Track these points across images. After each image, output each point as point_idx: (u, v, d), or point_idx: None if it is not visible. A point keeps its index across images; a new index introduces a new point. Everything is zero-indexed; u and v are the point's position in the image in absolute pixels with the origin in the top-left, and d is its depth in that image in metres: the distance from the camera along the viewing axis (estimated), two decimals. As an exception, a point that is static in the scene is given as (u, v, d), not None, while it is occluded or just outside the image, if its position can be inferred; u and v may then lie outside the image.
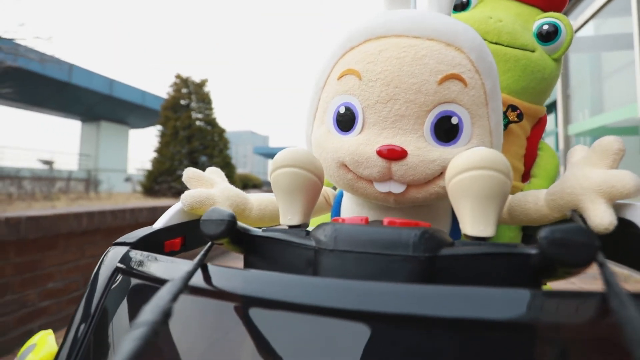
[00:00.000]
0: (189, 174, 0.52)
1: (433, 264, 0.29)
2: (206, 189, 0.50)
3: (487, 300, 0.23)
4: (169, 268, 0.33)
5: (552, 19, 0.63)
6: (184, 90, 9.39)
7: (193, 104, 9.34)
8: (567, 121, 5.08)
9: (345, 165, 0.42)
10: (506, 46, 0.61)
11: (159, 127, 9.38)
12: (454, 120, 0.40)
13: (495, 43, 0.61)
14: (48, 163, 14.21)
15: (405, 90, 0.38)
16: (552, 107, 5.38)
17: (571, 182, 0.40)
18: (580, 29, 4.55)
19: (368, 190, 0.42)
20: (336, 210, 0.56)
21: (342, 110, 0.43)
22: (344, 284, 0.25)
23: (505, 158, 0.33)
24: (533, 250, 0.27)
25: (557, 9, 0.68)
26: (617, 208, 0.39)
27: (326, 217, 0.66)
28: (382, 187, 0.41)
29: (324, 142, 0.44)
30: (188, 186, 0.52)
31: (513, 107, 0.62)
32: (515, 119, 0.62)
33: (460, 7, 0.70)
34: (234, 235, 0.34)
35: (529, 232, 0.69)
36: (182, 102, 9.29)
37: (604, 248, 0.37)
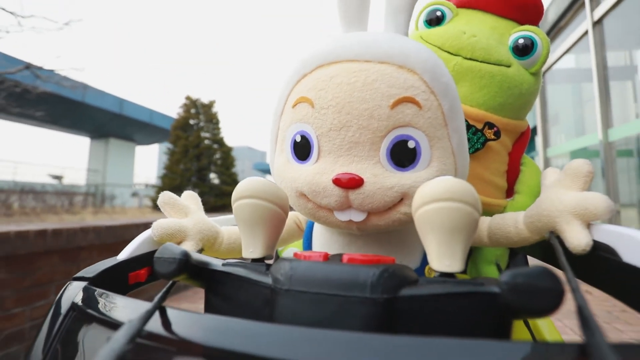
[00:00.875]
0: (165, 199, 0.51)
1: (392, 305, 0.27)
2: (178, 220, 0.49)
3: (450, 354, 0.21)
4: (127, 309, 0.31)
5: (528, 33, 0.62)
6: (193, 111, 9.98)
7: (202, 124, 9.91)
8: (546, 144, 5.61)
9: (305, 195, 0.42)
10: (481, 62, 0.59)
11: (168, 145, 9.90)
12: (411, 144, 0.39)
13: (470, 59, 0.60)
14: (58, 178, 14.77)
15: (357, 117, 0.38)
16: (533, 131, 5.93)
17: (547, 204, 0.40)
18: (555, 62, 5.13)
19: (330, 218, 0.42)
20: (308, 237, 0.55)
21: (298, 138, 0.42)
22: (295, 333, 0.23)
23: (472, 188, 0.32)
24: (498, 289, 0.26)
25: (533, 22, 0.67)
26: (593, 230, 0.38)
27: (299, 244, 0.65)
28: (342, 216, 0.41)
29: (283, 172, 0.44)
30: (163, 212, 0.51)
31: (490, 125, 0.60)
32: (493, 136, 0.60)
33: (435, 22, 0.68)
34: (192, 270, 0.33)
35: (516, 249, 0.68)
36: (191, 121, 9.87)
37: (577, 270, 0.37)
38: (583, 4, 4.19)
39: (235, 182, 9.46)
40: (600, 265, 0.37)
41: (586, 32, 4.12)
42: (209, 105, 10.45)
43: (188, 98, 10.48)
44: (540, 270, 0.23)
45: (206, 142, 9.93)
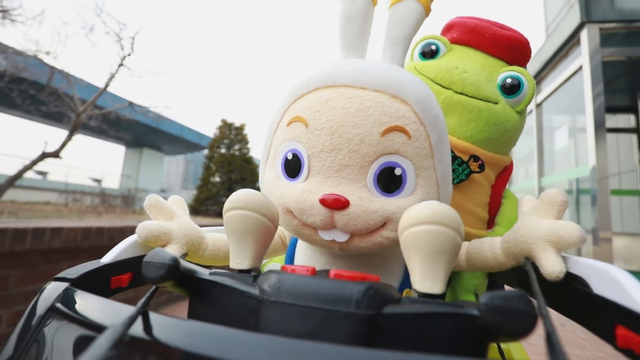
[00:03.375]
0: (151, 201, 0.51)
1: (376, 322, 0.28)
2: (164, 222, 0.49)
3: None
4: (109, 312, 0.30)
5: (515, 73, 0.65)
6: (227, 132, 11.87)
7: (234, 144, 11.77)
8: (540, 174, 5.96)
9: (291, 212, 0.42)
10: (470, 97, 0.61)
11: (188, 156, 11.64)
12: (398, 172, 0.40)
13: (460, 93, 0.62)
14: (97, 181, 16.70)
15: (348, 141, 0.39)
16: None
17: (523, 231, 0.41)
18: (543, 102, 5.90)
19: (313, 237, 0.42)
20: (291, 252, 0.55)
21: (290, 156, 0.43)
22: (281, 343, 0.23)
23: (456, 213, 0.33)
24: (477, 312, 0.26)
25: (521, 63, 0.70)
26: (565, 261, 0.39)
27: (281, 259, 0.66)
28: (326, 235, 0.41)
29: (272, 187, 0.45)
30: (149, 214, 0.51)
31: (475, 158, 0.62)
32: (477, 169, 0.62)
33: (429, 55, 0.70)
34: (178, 277, 0.33)
35: (494, 279, 0.69)
36: (225, 141, 11.73)
37: (550, 300, 0.40)
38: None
39: (259, 194, 11.26)
40: (572, 295, 0.38)
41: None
42: (241, 128, 12.35)
43: (223, 121, 12.38)
44: (517, 294, 0.24)
45: (237, 159, 11.82)
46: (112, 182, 19.15)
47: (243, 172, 11.09)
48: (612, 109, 5.26)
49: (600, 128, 3.99)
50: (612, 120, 5.61)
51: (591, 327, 0.35)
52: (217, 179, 11.05)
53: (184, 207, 0.55)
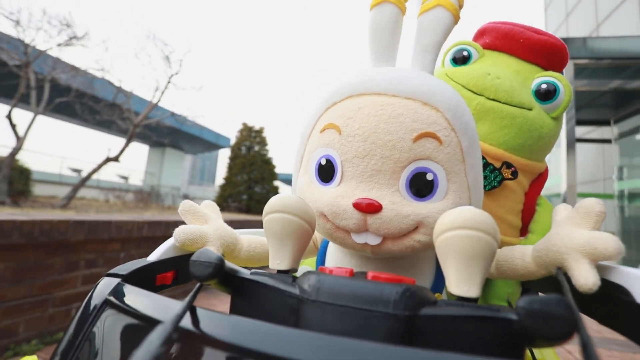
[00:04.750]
0: (186, 207, 0.52)
1: (413, 323, 0.28)
2: (199, 226, 0.50)
3: None
4: (157, 306, 0.32)
5: (551, 79, 0.63)
6: (247, 135, 12.86)
7: (254, 145, 12.75)
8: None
9: (325, 215, 0.43)
10: (503, 103, 0.61)
11: (227, 160, 12.75)
12: (429, 177, 0.40)
13: (493, 99, 0.61)
14: (124, 178, 17.98)
15: (381, 147, 0.39)
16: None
17: (556, 240, 0.41)
18: None
19: (346, 240, 0.43)
20: (322, 255, 0.56)
21: (323, 162, 0.44)
22: (323, 340, 0.24)
23: (492, 219, 0.33)
24: (515, 316, 0.26)
25: (557, 68, 0.68)
26: (605, 270, 0.39)
27: (311, 261, 0.69)
28: (358, 239, 0.42)
29: (305, 192, 0.46)
30: (183, 219, 0.53)
31: (508, 165, 0.61)
32: (510, 176, 0.61)
33: (461, 61, 0.69)
34: (222, 276, 0.34)
35: (528, 287, 0.68)
36: (247, 143, 12.72)
37: (586, 307, 0.39)
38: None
39: (276, 192, 12.20)
40: (612, 304, 0.37)
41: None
42: (260, 131, 13.36)
43: (244, 124, 13.41)
44: (556, 298, 0.24)
45: (257, 160, 12.86)
46: (136, 179, 20.50)
47: (262, 172, 12.02)
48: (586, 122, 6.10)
49: (571, 146, 4.84)
50: (591, 133, 6.45)
51: (633, 337, 0.35)
52: (238, 177, 12.08)
53: (217, 211, 0.57)
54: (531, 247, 0.46)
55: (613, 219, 5.61)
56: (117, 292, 0.38)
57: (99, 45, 6.48)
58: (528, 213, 0.67)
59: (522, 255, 0.46)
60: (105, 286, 0.39)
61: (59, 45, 6.31)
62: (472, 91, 0.63)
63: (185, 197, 17.52)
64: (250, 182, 11.83)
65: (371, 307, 0.29)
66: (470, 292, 0.32)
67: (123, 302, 0.36)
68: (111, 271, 0.42)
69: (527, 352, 0.57)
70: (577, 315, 0.24)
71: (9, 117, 5.51)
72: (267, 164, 12.44)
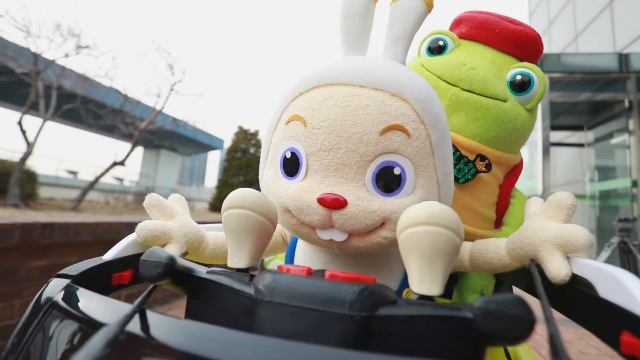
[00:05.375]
0: (151, 200, 0.51)
1: (369, 323, 0.28)
2: (163, 222, 0.49)
3: None
4: (106, 309, 0.31)
5: (526, 70, 0.63)
6: (242, 137, 13.19)
7: (250, 148, 13.08)
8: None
9: (289, 211, 0.42)
10: (478, 94, 0.60)
11: (224, 163, 13.07)
12: (397, 171, 0.40)
13: (468, 90, 0.61)
14: (120, 180, 18.16)
15: (347, 140, 0.39)
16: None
17: (529, 233, 0.41)
18: None
19: (311, 236, 0.42)
20: (291, 251, 0.55)
21: (288, 155, 0.43)
22: (270, 344, 0.23)
23: (455, 215, 0.32)
24: (471, 315, 0.26)
25: (532, 59, 0.68)
26: (571, 263, 0.39)
27: (282, 257, 0.68)
28: (324, 235, 0.41)
29: (270, 186, 0.45)
30: (149, 214, 0.51)
31: (482, 157, 0.61)
32: (484, 169, 0.61)
33: (436, 51, 0.68)
34: (175, 276, 0.33)
35: (502, 279, 0.68)
36: (242, 146, 13.04)
37: (553, 301, 0.40)
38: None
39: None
40: (577, 298, 0.37)
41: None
42: (255, 134, 13.72)
43: (240, 127, 13.74)
44: (513, 298, 0.24)
45: (253, 162, 13.19)
46: (130, 180, 20.70)
47: (258, 174, 12.29)
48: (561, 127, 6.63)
49: (546, 152, 5.32)
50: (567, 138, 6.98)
51: (596, 331, 0.35)
52: (235, 179, 12.40)
53: (185, 205, 0.55)
54: (505, 240, 0.46)
55: (585, 218, 6.13)
56: (65, 294, 0.36)
57: (105, 54, 6.78)
58: (502, 205, 0.68)
59: (496, 248, 0.46)
60: (53, 287, 0.37)
61: (67, 56, 6.60)
62: (447, 82, 0.63)
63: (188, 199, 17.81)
64: (246, 183, 12.13)
65: (326, 307, 0.28)
66: (432, 290, 0.31)
67: (70, 304, 0.34)
68: (61, 272, 0.40)
69: (502, 349, 0.59)
70: (544, 313, 0.24)
71: (19, 123, 5.79)
72: (263, 165, 12.75)
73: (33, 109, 6.26)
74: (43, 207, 5.54)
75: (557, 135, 7.23)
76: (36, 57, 6.09)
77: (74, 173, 18.05)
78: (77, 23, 6.78)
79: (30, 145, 5.85)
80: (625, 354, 0.29)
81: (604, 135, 6.07)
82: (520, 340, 0.23)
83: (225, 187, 12.15)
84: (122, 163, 6.58)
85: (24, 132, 5.79)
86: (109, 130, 11.02)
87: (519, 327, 0.23)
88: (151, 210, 0.51)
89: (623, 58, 5.00)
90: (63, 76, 6.68)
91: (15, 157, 7.14)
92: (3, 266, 1.66)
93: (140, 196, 11.49)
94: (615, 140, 5.66)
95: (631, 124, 5.04)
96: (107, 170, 6.49)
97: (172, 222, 0.50)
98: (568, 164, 7.06)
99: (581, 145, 6.75)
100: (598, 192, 6.07)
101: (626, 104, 5.01)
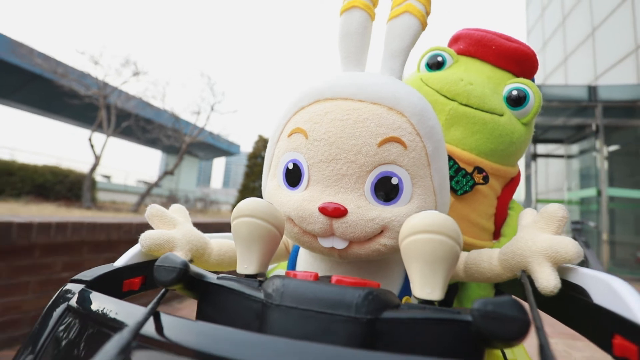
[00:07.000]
0: (152, 211, 0.51)
1: (374, 326, 0.29)
2: (167, 231, 0.49)
3: None
4: (121, 313, 0.32)
5: (521, 85, 0.65)
6: (262, 145, 14.35)
7: (269, 155, 14.24)
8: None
9: (292, 220, 0.44)
10: (475, 109, 0.62)
11: (246, 168, 14.31)
12: (394, 181, 0.41)
13: (465, 105, 0.62)
14: (147, 183, 19.62)
15: (346, 151, 0.40)
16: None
17: (521, 244, 0.42)
18: None
19: (313, 244, 0.44)
20: (293, 259, 0.57)
21: (291, 166, 0.44)
22: (283, 344, 0.24)
23: (455, 223, 0.33)
24: (470, 318, 0.27)
25: (528, 75, 0.69)
26: (565, 271, 0.41)
27: (284, 265, 0.68)
28: (325, 243, 0.42)
29: (273, 196, 0.46)
30: (151, 224, 0.51)
31: (479, 169, 0.62)
32: (481, 181, 0.62)
33: (435, 66, 0.70)
34: (188, 281, 0.34)
35: (501, 290, 0.69)
36: (262, 153, 14.19)
37: (549, 308, 0.41)
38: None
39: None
40: (572, 304, 0.39)
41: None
42: (274, 142, 14.94)
43: (260, 137, 15.00)
44: (509, 300, 0.25)
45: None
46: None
47: (277, 179, 13.51)
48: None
49: (528, 165, 6.42)
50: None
51: (589, 335, 0.36)
52: (256, 184, 13.58)
53: (186, 215, 0.56)
54: (498, 251, 0.46)
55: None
56: (80, 298, 0.36)
57: (158, 79, 8.06)
58: (500, 217, 0.69)
59: (489, 259, 0.46)
60: (68, 292, 0.38)
61: (125, 82, 7.90)
62: (446, 96, 0.64)
63: (202, 200, 19.05)
64: (266, 188, 13.26)
65: (333, 310, 0.29)
66: (433, 295, 0.33)
67: (86, 308, 0.34)
68: (75, 277, 0.41)
69: (499, 352, 0.60)
70: (535, 323, 0.25)
71: (89, 139, 7.05)
72: (281, 171, 13.88)
73: (91, 123, 7.58)
74: (109, 210, 6.73)
75: (547, 148, 8.32)
76: (105, 84, 7.38)
77: (107, 177, 19.49)
78: (133, 52, 8.08)
79: (97, 158, 7.10)
80: (618, 356, 0.30)
81: (577, 152, 7.19)
82: (516, 340, 0.24)
83: (247, 191, 13.33)
84: (171, 172, 7.80)
85: (92, 146, 7.05)
86: (152, 142, 12.33)
87: (515, 328, 0.24)
88: (153, 221, 0.52)
89: (592, 90, 6.06)
90: (124, 99, 7.99)
91: (80, 168, 8.46)
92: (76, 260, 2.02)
93: (171, 198, 12.75)
94: (586, 157, 6.77)
95: (597, 144, 6.11)
96: (160, 179, 7.72)
97: (175, 230, 0.51)
98: (559, 173, 8.09)
99: (561, 156, 7.86)
100: (573, 199, 7.21)
101: (594, 127, 6.07)
